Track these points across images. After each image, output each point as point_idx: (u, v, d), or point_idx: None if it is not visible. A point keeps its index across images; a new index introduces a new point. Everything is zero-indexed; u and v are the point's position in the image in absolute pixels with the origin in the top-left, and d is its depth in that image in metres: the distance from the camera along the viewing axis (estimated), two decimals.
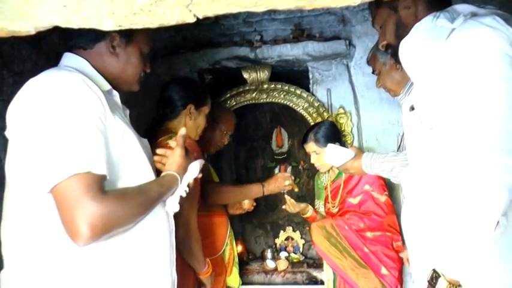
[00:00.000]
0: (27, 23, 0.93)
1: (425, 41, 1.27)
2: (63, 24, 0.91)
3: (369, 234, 2.34)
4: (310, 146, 2.47)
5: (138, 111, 2.61)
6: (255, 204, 2.56)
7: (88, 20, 0.91)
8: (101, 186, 1.10)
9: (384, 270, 2.26)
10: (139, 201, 1.20)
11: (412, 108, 1.43)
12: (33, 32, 0.95)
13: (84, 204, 1.04)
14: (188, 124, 1.96)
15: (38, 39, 2.28)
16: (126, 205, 1.14)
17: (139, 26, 0.92)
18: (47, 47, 2.36)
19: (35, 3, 0.86)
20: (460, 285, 1.17)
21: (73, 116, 1.10)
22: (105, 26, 0.91)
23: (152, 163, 1.39)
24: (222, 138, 2.49)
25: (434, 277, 1.20)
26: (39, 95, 1.13)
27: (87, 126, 1.11)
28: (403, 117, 1.53)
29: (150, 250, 1.28)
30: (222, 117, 2.47)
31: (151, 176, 1.33)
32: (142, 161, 1.30)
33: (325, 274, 2.77)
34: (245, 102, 3.11)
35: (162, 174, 1.37)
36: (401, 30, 1.41)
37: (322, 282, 2.85)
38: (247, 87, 3.10)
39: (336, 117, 2.89)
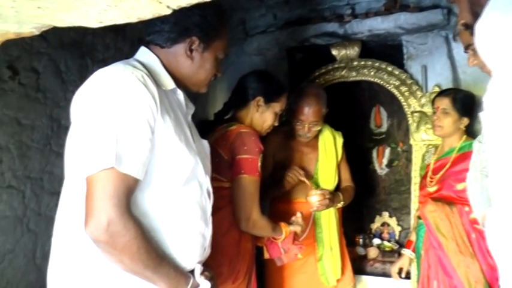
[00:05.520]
0: (30, 25, 0.99)
1: (509, 18, 1.04)
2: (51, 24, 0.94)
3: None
4: (445, 102, 2.29)
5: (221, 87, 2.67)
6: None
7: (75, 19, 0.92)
8: (130, 189, 1.11)
9: (489, 260, 2.02)
10: (146, 252, 1.12)
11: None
12: (36, 33, 1.00)
13: (104, 204, 1.07)
14: (255, 116, 1.98)
15: (123, 27, 2.41)
16: (134, 240, 1.10)
17: (120, 21, 0.91)
18: (132, 34, 2.47)
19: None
20: None
21: (122, 113, 1.10)
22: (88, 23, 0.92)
23: (206, 166, 1.36)
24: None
25: None
26: (97, 88, 1.15)
27: (133, 125, 1.11)
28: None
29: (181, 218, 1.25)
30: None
31: (194, 179, 1.29)
32: (185, 167, 1.25)
33: (413, 268, 2.56)
34: (334, 81, 2.94)
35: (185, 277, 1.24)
36: (477, 8, 1.18)
37: (408, 277, 2.62)
38: (336, 65, 2.92)
39: (430, 96, 2.57)
